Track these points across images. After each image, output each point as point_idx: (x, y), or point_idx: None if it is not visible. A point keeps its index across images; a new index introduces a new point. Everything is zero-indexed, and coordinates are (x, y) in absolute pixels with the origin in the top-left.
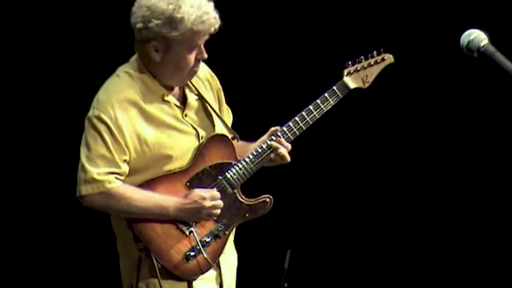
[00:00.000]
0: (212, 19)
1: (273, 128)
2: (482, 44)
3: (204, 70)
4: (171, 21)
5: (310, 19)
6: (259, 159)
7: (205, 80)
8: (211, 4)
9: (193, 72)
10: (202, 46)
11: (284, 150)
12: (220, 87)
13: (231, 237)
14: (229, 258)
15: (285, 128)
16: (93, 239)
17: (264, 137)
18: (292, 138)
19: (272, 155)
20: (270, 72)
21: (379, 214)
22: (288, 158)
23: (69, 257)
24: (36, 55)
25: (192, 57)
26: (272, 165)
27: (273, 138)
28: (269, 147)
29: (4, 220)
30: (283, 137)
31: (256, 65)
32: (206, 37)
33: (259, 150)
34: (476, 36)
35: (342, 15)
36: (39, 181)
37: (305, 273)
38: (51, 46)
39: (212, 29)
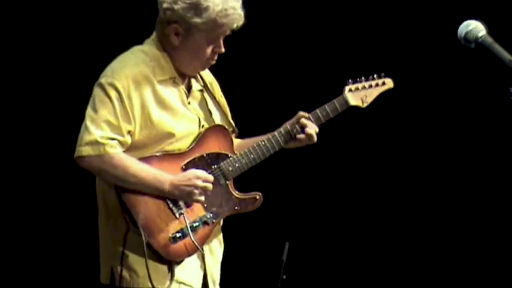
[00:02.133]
0: (237, 15)
1: (300, 113)
2: (480, 34)
3: (208, 74)
4: (197, 7)
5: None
6: (255, 155)
7: (208, 83)
8: (239, 1)
9: (207, 63)
10: (221, 40)
11: (312, 130)
12: (222, 94)
13: (219, 230)
14: (215, 251)
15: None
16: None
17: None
18: (283, 145)
19: (299, 135)
20: (268, 78)
21: (377, 207)
22: (315, 138)
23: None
24: (33, 52)
25: (209, 48)
26: (297, 146)
27: (304, 118)
28: (299, 124)
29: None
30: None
31: (256, 70)
32: (228, 32)
33: (260, 143)
34: (474, 27)
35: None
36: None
37: (303, 265)
38: (46, 43)
39: (235, 25)
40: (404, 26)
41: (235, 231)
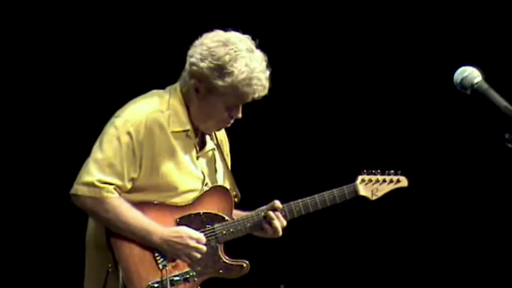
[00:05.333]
0: (260, 86)
1: (276, 201)
2: (475, 81)
3: (222, 131)
4: (221, 70)
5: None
6: (251, 224)
7: (220, 140)
8: (267, 73)
9: (222, 125)
10: (240, 107)
11: (278, 223)
12: (229, 153)
13: None
14: None
15: (285, 207)
16: None
17: (264, 207)
18: (289, 218)
19: (265, 225)
20: (280, 150)
21: (372, 249)
22: (280, 233)
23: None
24: (40, 57)
25: (226, 113)
26: (262, 235)
27: (273, 210)
28: (265, 216)
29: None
30: (281, 213)
31: (267, 141)
32: (248, 101)
33: (254, 216)
34: (470, 73)
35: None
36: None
37: None
38: (53, 48)
39: (256, 95)
40: (400, 70)
41: None
